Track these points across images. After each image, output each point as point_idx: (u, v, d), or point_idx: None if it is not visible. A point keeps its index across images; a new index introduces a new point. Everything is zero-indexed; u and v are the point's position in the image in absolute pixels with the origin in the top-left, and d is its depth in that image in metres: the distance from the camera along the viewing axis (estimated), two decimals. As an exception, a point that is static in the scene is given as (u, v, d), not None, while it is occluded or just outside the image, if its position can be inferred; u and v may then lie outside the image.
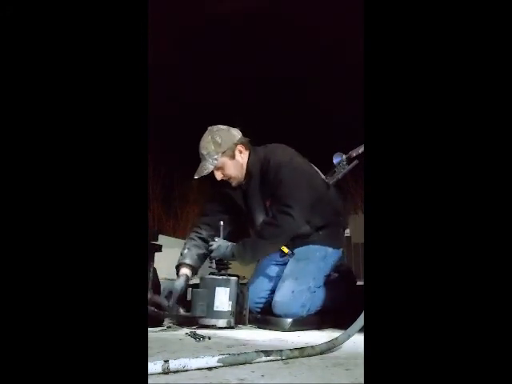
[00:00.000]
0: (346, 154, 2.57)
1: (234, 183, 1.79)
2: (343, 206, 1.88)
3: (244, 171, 1.77)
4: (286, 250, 1.77)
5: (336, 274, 1.81)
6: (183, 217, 7.77)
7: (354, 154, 2.53)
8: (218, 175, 1.75)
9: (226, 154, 1.72)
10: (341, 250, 1.85)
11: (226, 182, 1.79)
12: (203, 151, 1.73)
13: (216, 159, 1.71)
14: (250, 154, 1.77)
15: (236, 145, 1.74)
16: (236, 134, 1.78)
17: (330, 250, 1.77)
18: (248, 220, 1.84)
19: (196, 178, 1.74)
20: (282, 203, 1.64)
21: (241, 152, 1.76)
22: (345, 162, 2.56)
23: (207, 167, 1.71)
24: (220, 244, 1.66)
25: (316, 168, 1.91)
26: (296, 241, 1.76)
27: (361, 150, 2.50)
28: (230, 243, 1.67)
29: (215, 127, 1.77)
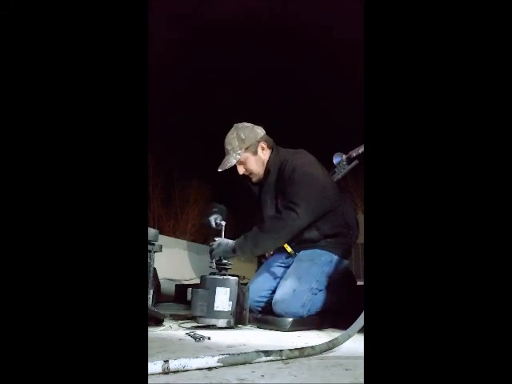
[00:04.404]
0: (346, 154, 2.58)
1: (254, 178, 1.88)
2: (357, 223, 1.89)
3: (264, 168, 1.86)
4: (289, 249, 1.79)
5: (337, 277, 1.81)
6: (183, 217, 7.77)
7: (354, 154, 2.54)
8: (240, 169, 1.84)
9: (249, 149, 1.82)
10: (347, 261, 1.86)
11: (247, 177, 1.89)
12: (228, 146, 1.82)
13: (239, 154, 1.80)
14: (271, 153, 1.86)
15: (259, 142, 1.84)
16: (259, 131, 1.86)
17: (336, 257, 1.78)
18: (259, 215, 1.89)
19: (220, 170, 1.83)
20: (289, 200, 1.70)
21: (263, 149, 1.85)
22: (345, 162, 2.57)
23: (230, 161, 1.80)
24: (220, 242, 1.68)
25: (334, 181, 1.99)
26: (303, 244, 1.78)
27: (361, 150, 2.51)
28: (230, 240, 1.69)
29: (240, 124, 1.86)
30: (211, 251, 1.67)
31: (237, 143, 1.80)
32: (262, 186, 1.89)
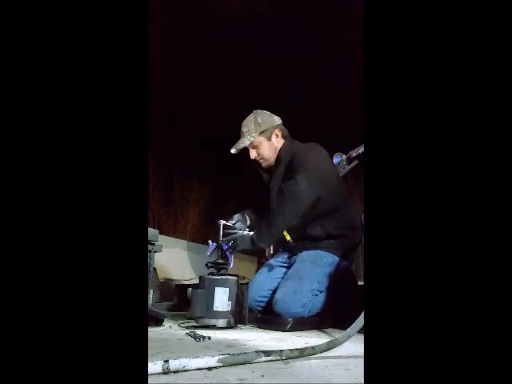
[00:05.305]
0: (346, 154, 2.58)
1: (264, 164, 1.91)
2: (362, 226, 1.88)
3: (276, 155, 1.88)
4: (288, 237, 1.83)
5: (338, 278, 1.80)
6: (183, 217, 7.78)
7: (354, 154, 2.54)
8: (253, 153, 1.88)
9: (263, 134, 1.86)
10: (349, 263, 1.86)
11: (257, 163, 1.92)
12: (244, 129, 1.87)
13: (254, 137, 1.85)
14: (285, 142, 1.89)
15: (274, 128, 1.88)
16: (277, 119, 1.92)
17: (338, 259, 1.78)
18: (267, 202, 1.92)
19: (232, 151, 1.88)
20: (293, 179, 1.69)
21: (277, 136, 1.89)
22: (345, 162, 2.57)
23: (244, 142, 1.85)
24: (241, 235, 1.68)
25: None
26: (306, 241, 1.78)
27: (361, 150, 2.52)
28: (246, 232, 1.70)
29: (259, 110, 1.92)
30: (234, 246, 1.64)
31: (253, 126, 1.84)
32: (271, 175, 1.91)
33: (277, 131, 1.87)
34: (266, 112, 1.91)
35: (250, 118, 1.88)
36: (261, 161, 1.90)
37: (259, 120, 1.86)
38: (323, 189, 1.71)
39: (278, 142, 1.88)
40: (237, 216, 1.88)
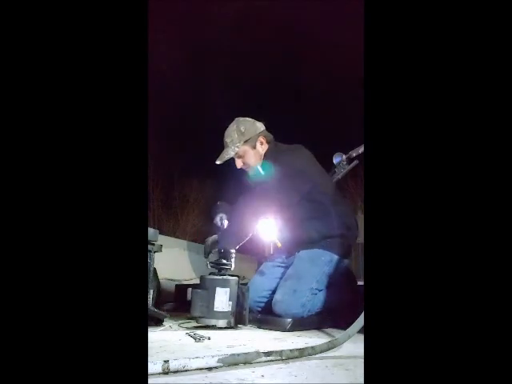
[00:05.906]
0: (345, 154, 2.58)
1: (251, 172, 1.90)
2: (356, 224, 1.88)
3: (261, 162, 1.87)
4: (279, 244, 1.85)
5: (337, 277, 1.81)
6: (183, 217, 7.79)
7: (354, 154, 2.54)
8: (239, 163, 1.87)
9: (247, 142, 1.84)
10: (347, 261, 1.86)
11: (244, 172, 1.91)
12: (227, 139, 1.85)
13: (238, 147, 1.83)
14: (269, 148, 1.87)
15: (258, 136, 1.85)
16: (259, 126, 1.88)
17: (336, 257, 1.77)
18: None
19: (218, 163, 1.86)
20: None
21: (262, 143, 1.87)
22: (345, 162, 2.56)
23: (229, 153, 1.83)
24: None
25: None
26: (302, 246, 1.78)
27: (361, 150, 2.51)
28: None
29: (241, 118, 1.89)
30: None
31: (236, 136, 1.82)
32: None
33: (261, 138, 1.85)
34: (249, 119, 1.88)
35: (233, 127, 1.85)
36: (247, 169, 1.89)
37: (242, 129, 1.83)
38: (301, 186, 1.74)
39: (262, 149, 1.86)
40: (219, 217, 1.88)
